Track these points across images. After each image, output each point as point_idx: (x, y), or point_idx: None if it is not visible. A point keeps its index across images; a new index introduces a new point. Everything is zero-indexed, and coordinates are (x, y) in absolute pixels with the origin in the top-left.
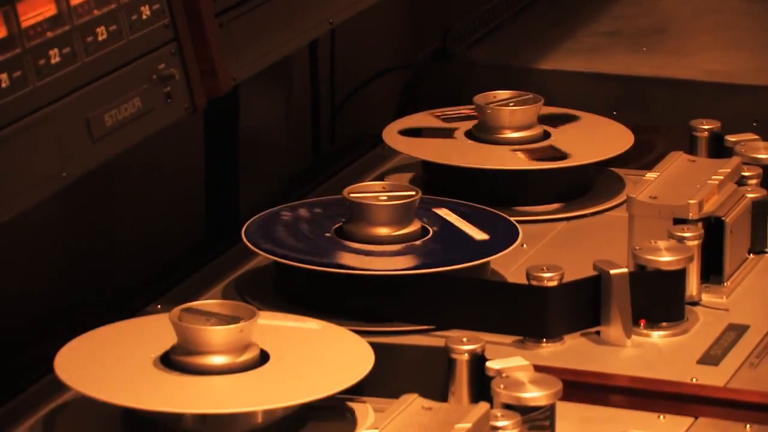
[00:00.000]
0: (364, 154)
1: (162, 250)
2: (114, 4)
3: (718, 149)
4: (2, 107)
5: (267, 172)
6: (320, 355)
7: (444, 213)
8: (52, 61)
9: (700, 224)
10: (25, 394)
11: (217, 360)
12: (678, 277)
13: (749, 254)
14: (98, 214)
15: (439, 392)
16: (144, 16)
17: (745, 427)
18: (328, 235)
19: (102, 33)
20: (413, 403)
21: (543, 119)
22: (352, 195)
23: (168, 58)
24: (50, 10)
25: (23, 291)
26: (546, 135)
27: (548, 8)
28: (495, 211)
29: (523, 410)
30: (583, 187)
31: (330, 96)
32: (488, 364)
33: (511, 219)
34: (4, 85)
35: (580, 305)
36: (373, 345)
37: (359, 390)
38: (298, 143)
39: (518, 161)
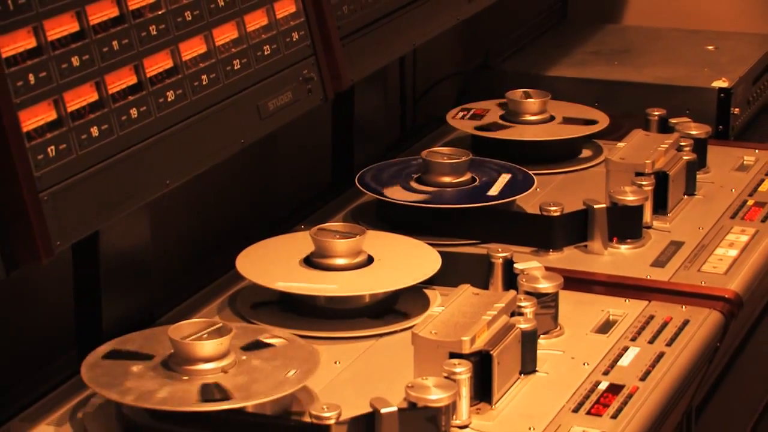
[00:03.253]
0: (434, 129)
1: (303, 190)
2: (275, 31)
3: (664, 128)
4: (205, 97)
5: (371, 140)
6: (406, 259)
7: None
8: (236, 68)
9: (652, 176)
10: (213, 285)
11: (340, 261)
12: (638, 210)
13: (684, 195)
14: (264, 167)
15: (483, 284)
16: (294, 39)
17: (682, 307)
18: (411, 182)
19: (267, 49)
20: (466, 291)
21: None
22: (427, 156)
23: (309, 66)
24: (233, 34)
25: (215, 216)
26: (551, 117)
27: (555, 36)
28: (519, 166)
29: (537, 296)
30: (574, 152)
31: (412, 91)
32: (515, 265)
33: (530, 172)
34: (204, 83)
35: (575, 227)
36: (440, 253)
37: (431, 282)
38: (391, 121)
39: (533, 135)
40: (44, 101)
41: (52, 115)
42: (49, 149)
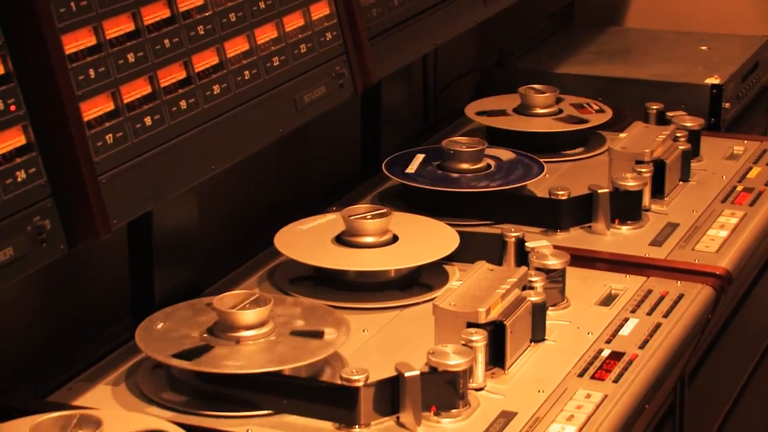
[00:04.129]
0: (453, 121)
1: (335, 175)
2: (310, 31)
3: (662, 120)
4: (247, 90)
5: (396, 130)
6: (428, 237)
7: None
8: (275, 64)
9: (651, 164)
10: (254, 260)
11: (368, 239)
12: (638, 194)
13: (679, 181)
14: (300, 154)
15: (497, 260)
16: (328, 39)
17: (677, 283)
18: (432, 168)
19: (303, 48)
20: (482, 267)
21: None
22: (447, 144)
23: (341, 63)
24: (273, 34)
25: (256, 198)
26: (560, 110)
27: (563, 37)
28: (530, 154)
29: (546, 271)
30: (580, 141)
31: (434, 86)
32: (526, 244)
33: (540, 159)
34: (246, 77)
35: (580, 210)
36: (459, 232)
37: (450, 258)
38: (414, 113)
39: (542, 126)
40: (103, 93)
41: (110, 106)
42: (107, 137)
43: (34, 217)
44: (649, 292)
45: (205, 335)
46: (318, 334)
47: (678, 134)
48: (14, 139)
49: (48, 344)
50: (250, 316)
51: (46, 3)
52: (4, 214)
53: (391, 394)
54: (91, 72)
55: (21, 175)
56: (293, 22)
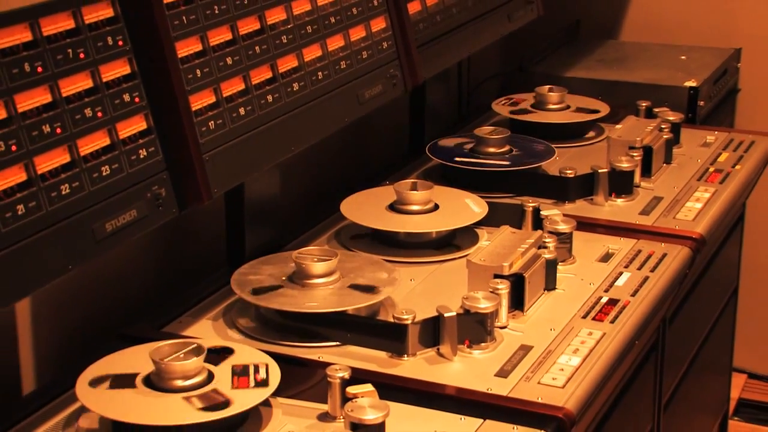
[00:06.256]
0: (482, 114)
1: (388, 155)
2: (370, 41)
3: (650, 115)
4: (319, 88)
5: (437, 121)
6: (462, 206)
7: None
8: (342, 67)
9: (641, 149)
10: (324, 222)
11: (414, 207)
12: (630, 174)
13: (663, 164)
14: (360, 139)
15: (518, 225)
16: (384, 47)
17: (661, 244)
18: (465, 150)
19: (365, 54)
20: (506, 230)
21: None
22: (478, 132)
23: (394, 67)
24: (341, 43)
25: (326, 173)
26: (568, 106)
27: (571, 48)
28: (543, 141)
29: (557, 234)
30: (584, 131)
31: (467, 86)
32: (541, 212)
33: (551, 145)
34: (320, 77)
35: (585, 185)
36: (487, 203)
37: (479, 224)
38: (451, 108)
39: (554, 118)
40: (207, 89)
41: (212, 99)
42: (210, 123)
43: (153, 186)
44: (639, 251)
45: (284, 280)
46: (371, 289)
47: (663, 126)
48: (138, 124)
49: (163, 287)
50: (320, 266)
51: (164, 16)
52: (129, 183)
53: (433, 330)
54: (198, 71)
55: (143, 153)
56: (357, 33)
